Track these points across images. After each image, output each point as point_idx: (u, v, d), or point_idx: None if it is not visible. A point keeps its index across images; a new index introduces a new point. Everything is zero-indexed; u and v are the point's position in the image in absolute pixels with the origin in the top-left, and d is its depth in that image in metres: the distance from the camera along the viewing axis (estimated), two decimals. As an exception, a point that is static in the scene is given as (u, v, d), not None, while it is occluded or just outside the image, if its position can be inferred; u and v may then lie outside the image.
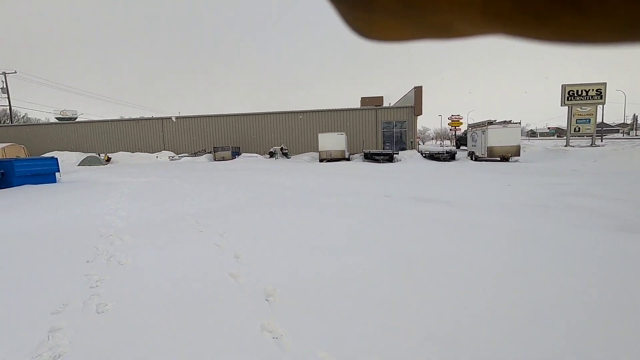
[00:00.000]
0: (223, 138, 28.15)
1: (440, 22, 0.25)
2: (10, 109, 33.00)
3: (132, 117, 30.03)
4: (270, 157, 24.30)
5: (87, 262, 3.74)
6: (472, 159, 21.56)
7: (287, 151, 24.21)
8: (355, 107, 29.07)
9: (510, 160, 19.29)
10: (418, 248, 4.03)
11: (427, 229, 4.90)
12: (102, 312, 2.63)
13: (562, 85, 23.12)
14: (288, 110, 27.82)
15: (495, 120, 19.58)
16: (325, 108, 27.63)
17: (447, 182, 10.82)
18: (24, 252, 4.14)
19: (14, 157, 21.12)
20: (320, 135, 21.61)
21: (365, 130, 27.09)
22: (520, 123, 19.19)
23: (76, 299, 2.85)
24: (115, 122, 29.71)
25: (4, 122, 37.58)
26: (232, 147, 25.31)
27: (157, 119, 29.33)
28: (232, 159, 24.17)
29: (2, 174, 11.09)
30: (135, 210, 6.74)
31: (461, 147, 30.54)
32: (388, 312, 2.55)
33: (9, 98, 32.38)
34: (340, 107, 27.63)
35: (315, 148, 26.99)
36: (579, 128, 23.66)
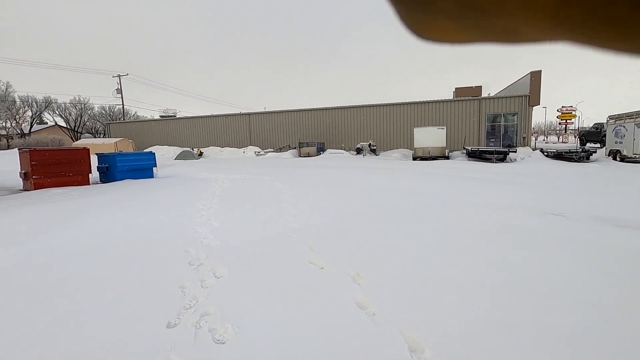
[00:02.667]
0: (307, 133, 27.33)
1: (503, 26, 0.23)
2: (122, 107, 36.97)
3: (222, 114, 31.06)
4: (358, 153, 22.58)
5: (168, 326, 2.36)
6: (614, 159, 17.01)
7: (375, 147, 22.23)
8: (455, 98, 25.71)
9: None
10: None
11: None
12: None
13: None
14: (374, 103, 25.74)
15: (660, 110, 14.88)
16: (416, 100, 24.90)
17: (623, 193, 7.77)
18: (96, 289, 2.98)
19: (118, 151, 22.90)
20: (416, 130, 19.13)
21: (465, 124, 23.66)
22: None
23: None
24: (207, 118, 31.06)
25: (118, 119, 42.50)
26: (317, 142, 24.26)
27: (245, 114, 29.80)
28: (318, 155, 23.07)
29: (107, 168, 11.27)
30: (229, 219, 5.53)
31: (587, 144, 25.01)
32: None
33: (122, 97, 36.26)
34: (434, 99, 24.59)
35: (405, 144, 24.52)
36: None
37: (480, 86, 32.20)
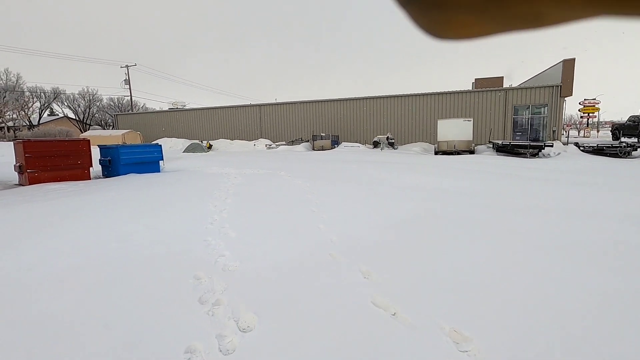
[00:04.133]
0: (321, 125, 26.15)
1: (528, 12, 0.22)
2: (131, 98, 36.21)
3: (232, 105, 30.02)
4: (375, 147, 21.37)
5: None
6: (658, 154, 15.57)
7: (393, 141, 20.97)
8: (477, 88, 24.25)
9: None
10: None
11: None
12: None
13: None
14: (390, 94, 24.39)
15: None
16: (436, 91, 23.49)
17: None
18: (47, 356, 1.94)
19: (123, 142, 22.09)
20: (440, 122, 17.81)
21: (489, 117, 22.22)
22: None
23: None
24: (216, 110, 30.07)
25: (126, 111, 41.83)
26: (331, 135, 23.09)
27: (255, 105, 28.72)
28: (332, 148, 21.93)
29: (109, 161, 10.33)
30: (247, 226, 4.48)
31: (622, 138, 23.36)
32: None
33: (130, 88, 35.46)
34: (455, 90, 23.17)
35: (425, 137, 23.23)
36: None
37: (502, 77, 30.58)
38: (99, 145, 10.79)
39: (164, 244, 3.80)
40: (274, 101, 28.86)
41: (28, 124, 38.75)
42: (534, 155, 15.17)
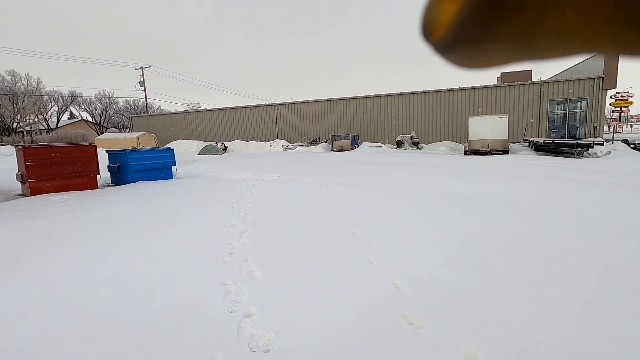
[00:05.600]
0: (339, 125, 25.04)
1: (552, 53, 0.23)
2: (145, 100, 35.95)
3: (247, 105, 29.23)
4: (398, 147, 20.14)
5: None
6: None
7: (417, 140, 19.69)
8: (508, 83, 22.65)
9: None
10: None
11: None
12: None
13: None
14: (412, 90, 23.07)
15: None
16: (456, 87, 22.06)
17: None
18: None
19: (140, 146, 21.52)
20: (471, 120, 16.44)
21: (521, 113, 20.67)
22: None
23: None
24: (231, 110, 29.36)
25: (142, 113, 41.71)
26: (351, 135, 21.96)
27: (271, 105, 27.85)
28: (352, 149, 20.81)
29: (118, 167, 9.53)
30: (275, 262, 3.45)
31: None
32: None
33: (145, 90, 35.18)
34: (484, 84, 21.68)
35: (451, 136, 21.86)
36: None
37: (530, 70, 28.81)
38: (107, 151, 10.02)
39: (167, 291, 2.81)
40: (290, 100, 27.94)
41: (46, 127, 39.06)
42: (579, 155, 13.66)
